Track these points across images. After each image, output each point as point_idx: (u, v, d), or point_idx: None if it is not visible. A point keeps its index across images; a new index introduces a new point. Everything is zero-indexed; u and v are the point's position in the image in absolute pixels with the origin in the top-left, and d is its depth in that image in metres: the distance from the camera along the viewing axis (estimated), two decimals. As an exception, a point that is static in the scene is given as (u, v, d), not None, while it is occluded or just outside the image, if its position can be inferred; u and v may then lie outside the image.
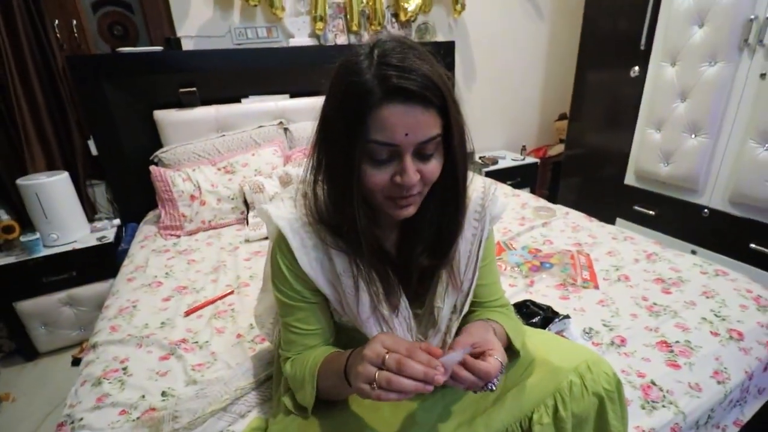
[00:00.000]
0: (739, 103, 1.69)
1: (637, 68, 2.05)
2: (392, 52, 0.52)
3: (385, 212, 0.61)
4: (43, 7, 1.69)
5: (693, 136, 1.85)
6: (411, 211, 0.60)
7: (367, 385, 0.48)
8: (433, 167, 0.57)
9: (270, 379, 0.89)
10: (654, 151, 2.01)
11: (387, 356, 0.48)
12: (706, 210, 1.88)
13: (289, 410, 0.69)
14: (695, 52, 1.78)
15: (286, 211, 0.65)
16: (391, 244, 0.70)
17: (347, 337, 0.75)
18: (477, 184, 0.73)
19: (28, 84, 1.71)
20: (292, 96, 2.15)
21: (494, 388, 0.57)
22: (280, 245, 0.65)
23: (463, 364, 0.54)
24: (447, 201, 0.63)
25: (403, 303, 0.68)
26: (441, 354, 0.51)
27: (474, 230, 0.71)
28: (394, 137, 0.52)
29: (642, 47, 1.99)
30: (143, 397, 0.90)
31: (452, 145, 0.57)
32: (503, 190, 2.09)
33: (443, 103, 0.54)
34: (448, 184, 0.61)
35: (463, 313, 0.73)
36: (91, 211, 1.99)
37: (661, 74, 1.93)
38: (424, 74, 0.52)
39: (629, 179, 2.20)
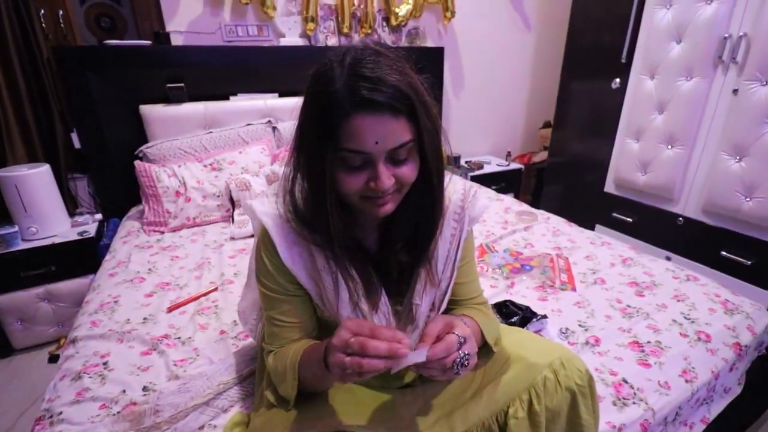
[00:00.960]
0: (713, 117, 1.77)
1: (618, 80, 2.13)
2: (362, 61, 0.54)
3: (364, 213, 0.63)
4: (29, -3, 1.67)
5: (669, 147, 1.92)
6: (389, 208, 0.61)
7: (340, 371, 0.51)
8: (408, 170, 0.59)
9: (253, 374, 0.90)
10: (632, 161, 2.08)
11: (351, 340, 0.50)
12: (680, 218, 1.96)
13: (272, 403, 0.70)
14: (673, 67, 1.85)
15: (270, 207, 0.68)
16: (372, 241, 0.72)
17: (330, 333, 0.76)
18: (458, 186, 0.75)
19: (10, 73, 1.68)
20: (281, 95, 2.15)
21: (467, 362, 0.58)
22: (264, 240, 0.67)
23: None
24: (424, 203, 0.65)
25: (383, 299, 0.70)
26: (406, 340, 0.52)
27: (453, 230, 0.73)
28: (365, 146, 0.54)
29: (623, 60, 2.07)
30: (124, 391, 0.89)
31: (425, 151, 0.59)
32: (487, 194, 2.13)
33: (412, 110, 0.55)
34: (424, 187, 0.63)
35: (441, 310, 0.75)
36: (72, 205, 1.95)
37: (640, 86, 2.01)
38: (392, 84, 0.53)
39: (609, 187, 2.27)
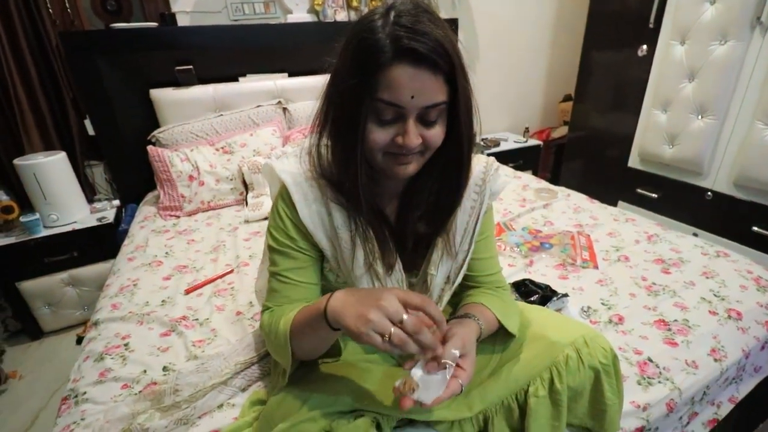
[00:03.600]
0: (748, 84, 1.66)
1: (645, 47, 2.00)
2: (407, 14, 0.53)
3: (386, 177, 0.62)
4: (36, -18, 1.65)
5: (699, 117, 1.82)
6: (411, 169, 0.60)
7: (378, 336, 0.49)
8: (436, 133, 0.58)
9: (269, 354, 0.90)
10: (659, 133, 1.98)
11: (406, 318, 0.49)
12: (709, 193, 1.87)
13: (284, 381, 0.70)
14: (705, 30, 1.73)
15: (290, 166, 0.67)
16: (390, 210, 0.71)
17: None
18: (480, 159, 0.73)
19: (21, 61, 1.68)
20: (291, 75, 2.11)
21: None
22: (283, 197, 0.67)
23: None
24: (449, 171, 0.64)
25: (398, 265, 0.69)
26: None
27: (473, 203, 0.71)
28: (401, 98, 0.53)
29: (651, 25, 1.94)
30: (145, 371, 0.91)
31: (458, 114, 0.58)
32: (504, 171, 2.07)
33: (452, 70, 0.54)
34: (451, 154, 0.62)
35: (456, 283, 0.73)
36: (90, 192, 1.98)
37: (669, 53, 1.89)
38: (436, 39, 0.52)
39: (633, 162, 2.18)
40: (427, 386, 0.53)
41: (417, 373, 0.54)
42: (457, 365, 0.57)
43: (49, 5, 1.72)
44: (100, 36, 1.74)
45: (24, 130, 1.74)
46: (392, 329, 0.48)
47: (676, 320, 1.00)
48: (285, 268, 0.68)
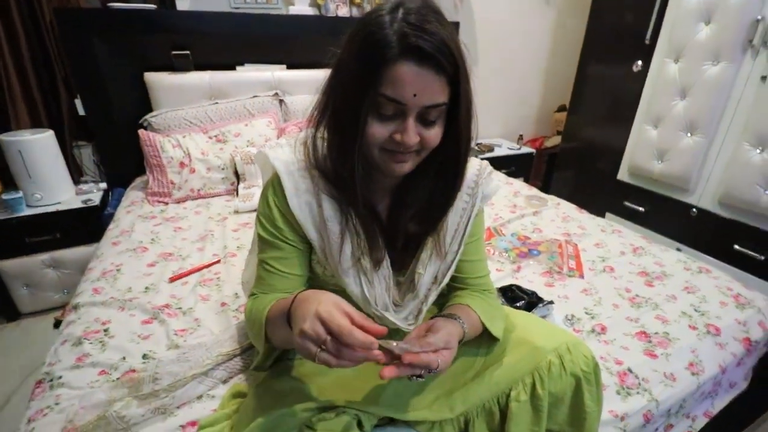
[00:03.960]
0: (738, 105, 1.70)
1: (640, 63, 2.04)
2: (415, 12, 0.53)
3: (381, 173, 0.62)
4: (32, -45, 1.61)
5: (689, 134, 1.85)
6: (406, 168, 0.61)
7: (307, 355, 0.50)
8: (434, 134, 0.58)
9: (253, 347, 0.89)
10: (649, 148, 2.01)
11: (328, 341, 0.48)
12: (694, 209, 1.91)
13: (262, 374, 0.70)
14: (699, 50, 1.77)
15: (283, 155, 0.67)
16: (383, 208, 0.71)
17: None
18: (473, 162, 0.74)
19: (13, 37, 1.64)
20: (289, 67, 2.09)
21: (422, 378, 0.58)
22: (274, 185, 0.67)
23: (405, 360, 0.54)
24: (445, 172, 0.64)
25: (386, 262, 0.69)
26: (382, 332, 0.50)
27: (465, 204, 0.72)
28: (403, 95, 0.53)
29: (647, 41, 1.98)
30: (124, 358, 0.89)
31: (459, 115, 0.58)
32: (497, 176, 2.09)
33: (455, 71, 0.55)
34: (449, 155, 0.62)
35: (443, 284, 0.73)
36: (77, 174, 1.94)
37: (663, 70, 1.92)
38: (442, 39, 0.52)
39: (622, 175, 2.21)
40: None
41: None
42: (438, 351, 0.57)
43: (44, -20, 1.68)
44: (97, 14, 1.70)
45: (12, 105, 1.69)
46: (317, 353, 0.48)
47: (657, 333, 1.02)
48: (271, 257, 0.68)
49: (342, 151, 0.60)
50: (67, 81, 1.81)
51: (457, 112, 0.58)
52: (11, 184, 1.67)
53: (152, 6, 1.78)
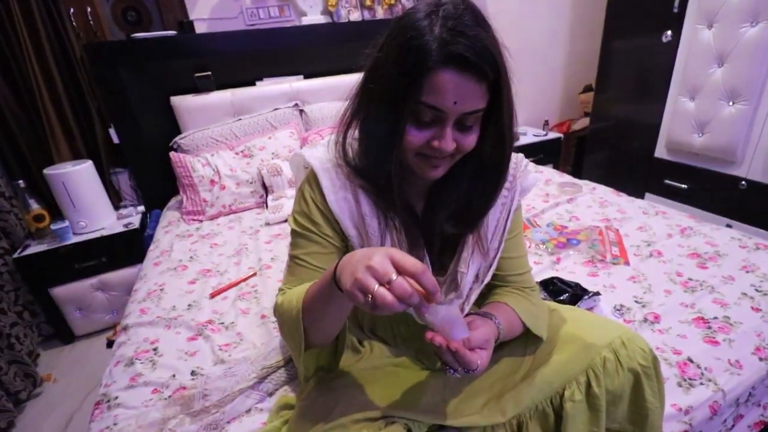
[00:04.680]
0: (784, 66, 1.57)
1: (669, 33, 1.93)
2: (455, 16, 0.51)
3: (414, 175, 0.61)
4: (59, -3, 1.70)
5: (731, 103, 1.74)
6: (440, 172, 0.60)
7: (360, 294, 0.45)
8: (471, 139, 0.58)
9: (295, 357, 0.90)
10: (687, 121, 1.90)
11: (395, 278, 0.44)
12: (743, 182, 1.78)
13: (308, 386, 0.69)
14: (734, 12, 1.65)
15: (318, 153, 0.68)
16: (417, 209, 0.70)
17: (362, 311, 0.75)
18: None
19: (48, 74, 1.73)
20: (306, 77, 2.12)
21: (456, 375, 0.56)
22: (311, 182, 0.67)
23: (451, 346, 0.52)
24: (485, 173, 0.63)
25: (426, 260, 0.67)
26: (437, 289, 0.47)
27: (504, 199, 0.70)
28: (444, 103, 0.53)
29: (675, 10, 1.87)
30: (174, 376, 0.92)
31: (502, 118, 0.57)
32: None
33: (497, 77, 0.53)
34: (489, 157, 0.61)
35: (484, 282, 0.71)
36: (116, 199, 2.03)
37: (696, 38, 1.81)
38: (485, 46, 0.51)
39: (660, 152, 2.10)
40: (439, 316, 0.50)
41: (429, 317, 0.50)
42: (475, 350, 0.55)
43: (72, 18, 1.77)
44: (122, 46, 1.78)
45: (52, 140, 1.79)
46: (375, 288, 0.43)
47: (716, 318, 0.95)
48: (305, 252, 0.67)
49: (379, 156, 0.59)
50: (100, 112, 1.90)
51: (500, 117, 0.57)
52: (58, 214, 1.76)
53: (172, 32, 1.84)
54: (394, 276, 0.44)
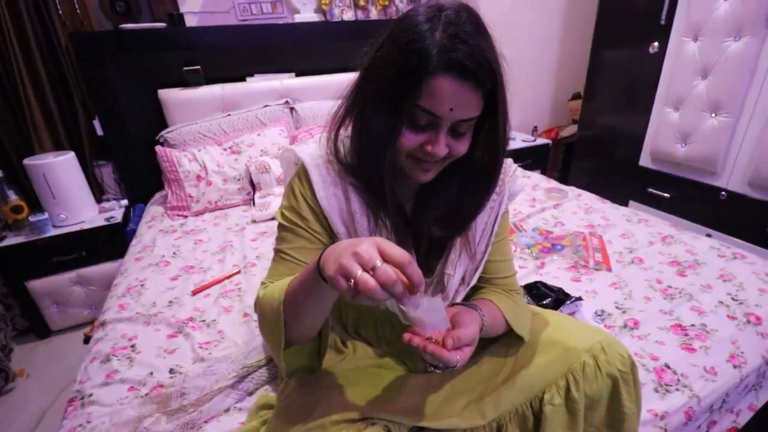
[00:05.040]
0: (764, 80, 1.62)
1: (656, 44, 1.97)
2: (459, 23, 0.52)
3: (405, 176, 0.62)
4: (45, -17, 1.66)
5: (713, 115, 1.78)
6: (430, 176, 0.61)
7: (343, 279, 0.44)
8: (463, 146, 0.58)
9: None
10: (671, 132, 1.94)
11: (380, 265, 0.43)
12: (723, 192, 1.83)
13: (289, 386, 0.69)
14: (719, 27, 1.70)
15: (309, 149, 0.68)
16: (407, 210, 0.70)
17: (349, 306, 0.76)
18: None
19: (31, 63, 1.69)
20: (298, 74, 2.10)
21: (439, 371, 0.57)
22: (301, 177, 0.66)
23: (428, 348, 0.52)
24: (477, 180, 0.64)
25: (413, 259, 0.67)
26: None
27: (492, 203, 0.71)
28: (440, 109, 0.53)
29: (662, 22, 1.91)
30: (151, 374, 0.90)
31: (497, 128, 0.58)
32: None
33: (494, 86, 0.54)
34: (486, 165, 0.62)
35: (471, 285, 0.72)
36: (98, 192, 1.99)
37: (681, 50, 1.85)
38: (486, 57, 0.52)
39: (644, 161, 2.14)
40: (418, 308, 0.48)
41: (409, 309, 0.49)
42: (457, 349, 0.55)
43: (58, 6, 1.72)
44: (109, 37, 1.74)
45: (34, 130, 1.75)
46: (359, 273, 0.42)
47: (693, 325, 0.97)
48: (291, 247, 0.66)
49: (372, 155, 0.59)
50: (84, 103, 1.86)
51: (495, 125, 0.58)
52: (37, 206, 1.72)
53: (162, 24, 1.81)
54: (378, 263, 0.43)
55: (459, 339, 0.54)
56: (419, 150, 0.57)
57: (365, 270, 0.43)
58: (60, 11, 1.74)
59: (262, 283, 0.67)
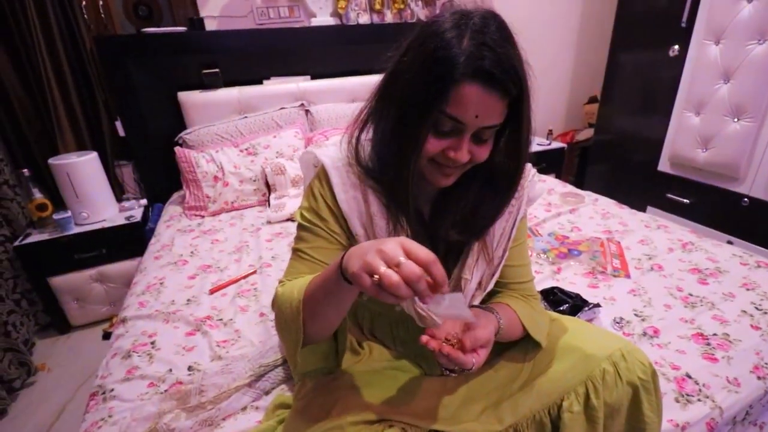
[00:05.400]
0: (790, 85, 1.58)
1: (677, 47, 1.93)
2: (483, 30, 0.52)
3: (424, 180, 0.62)
4: (72, -12, 1.71)
5: (735, 119, 1.74)
6: (450, 181, 0.61)
7: (367, 276, 0.44)
8: (484, 152, 0.59)
9: (293, 357, 0.90)
10: (692, 136, 1.90)
11: (403, 261, 0.43)
12: (746, 199, 1.78)
13: (306, 386, 0.69)
14: (742, 30, 1.66)
15: (330, 152, 0.68)
16: (425, 214, 0.70)
17: (365, 308, 0.76)
18: None
19: (58, 66, 1.74)
20: (313, 77, 2.12)
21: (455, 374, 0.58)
22: (321, 179, 0.67)
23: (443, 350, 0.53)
24: (496, 185, 0.64)
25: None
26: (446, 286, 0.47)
27: (511, 208, 0.70)
28: (465, 116, 0.53)
29: (683, 24, 1.87)
30: (170, 370, 0.92)
31: (520, 135, 0.59)
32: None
33: (519, 93, 0.54)
34: (507, 170, 0.62)
35: (487, 290, 0.72)
36: (119, 191, 2.03)
37: (703, 53, 1.81)
38: (513, 66, 0.52)
39: (663, 165, 2.10)
40: (439, 305, 0.48)
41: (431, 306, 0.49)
42: (473, 351, 0.55)
43: (84, 11, 1.78)
44: (132, 40, 1.79)
45: (58, 130, 1.80)
46: (382, 269, 0.43)
47: (715, 334, 0.95)
48: (309, 246, 0.66)
49: (395, 160, 0.59)
50: (107, 104, 1.91)
51: (519, 131, 0.58)
52: (60, 204, 1.77)
53: (182, 28, 1.85)
54: (402, 259, 0.43)
55: (476, 339, 0.54)
56: (441, 155, 0.57)
57: (389, 266, 0.43)
58: (85, 15, 1.79)
59: (280, 282, 0.67)
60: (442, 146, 0.56)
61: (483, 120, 0.54)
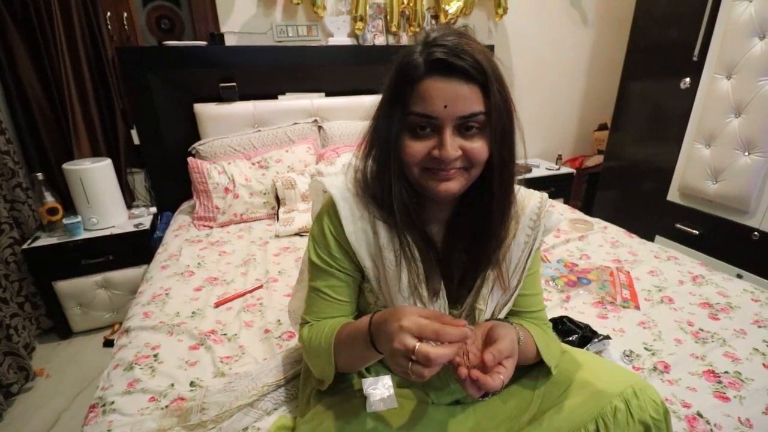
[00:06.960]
0: (801, 121, 1.58)
1: (688, 80, 1.95)
2: (444, 36, 0.55)
3: (432, 200, 0.63)
4: (98, 0, 1.76)
5: (746, 153, 1.74)
6: (452, 186, 0.58)
7: (405, 360, 0.48)
8: (478, 146, 0.57)
9: (297, 377, 0.89)
10: (702, 168, 1.90)
11: (417, 348, 0.47)
12: (756, 233, 1.77)
13: (309, 409, 0.68)
14: (754, 65, 1.68)
15: (337, 181, 0.69)
16: (438, 239, 0.69)
17: None
18: (535, 194, 0.73)
19: (79, 73, 1.78)
20: (328, 95, 2.16)
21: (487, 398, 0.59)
22: (329, 212, 0.67)
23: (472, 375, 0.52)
24: (493, 197, 0.62)
25: (442, 293, 0.67)
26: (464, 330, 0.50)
27: (527, 237, 0.70)
28: (433, 109, 0.54)
29: (695, 58, 1.90)
30: (172, 385, 0.91)
31: (492, 125, 0.56)
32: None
33: (485, 79, 0.54)
34: (500, 170, 0.60)
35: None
36: (129, 198, 2.05)
37: (714, 87, 1.83)
38: (469, 53, 0.53)
39: (672, 195, 2.10)
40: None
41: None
42: (499, 364, 0.54)
43: (108, 22, 1.83)
44: (153, 52, 1.83)
45: (74, 136, 1.83)
46: (409, 366, 0.47)
47: (726, 372, 0.93)
48: (326, 285, 0.68)
49: (379, 173, 0.62)
50: (124, 113, 1.94)
51: (491, 121, 0.56)
52: (71, 209, 1.78)
53: (203, 43, 1.89)
54: (416, 345, 0.47)
55: (500, 352, 0.53)
56: (430, 159, 0.57)
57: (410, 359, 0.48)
58: (109, 26, 1.84)
59: (303, 319, 0.71)
60: (426, 148, 0.57)
61: (455, 109, 0.54)
